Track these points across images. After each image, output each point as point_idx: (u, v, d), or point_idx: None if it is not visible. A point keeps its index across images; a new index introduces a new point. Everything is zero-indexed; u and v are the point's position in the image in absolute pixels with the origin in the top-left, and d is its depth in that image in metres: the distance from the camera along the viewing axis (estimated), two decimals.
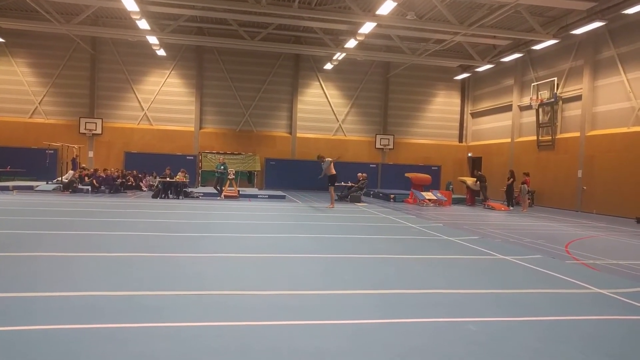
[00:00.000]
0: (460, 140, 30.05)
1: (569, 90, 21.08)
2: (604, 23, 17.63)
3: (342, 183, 20.43)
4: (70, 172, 20.56)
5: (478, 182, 20.98)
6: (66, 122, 25.61)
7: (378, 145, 28.48)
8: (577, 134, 20.33)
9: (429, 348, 3.72)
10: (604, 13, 17.64)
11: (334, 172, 16.74)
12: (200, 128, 27.01)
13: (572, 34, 19.24)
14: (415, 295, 5.29)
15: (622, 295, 5.56)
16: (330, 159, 16.88)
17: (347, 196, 19.89)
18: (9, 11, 23.02)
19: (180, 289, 5.10)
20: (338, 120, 28.37)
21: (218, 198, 18.66)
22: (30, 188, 19.08)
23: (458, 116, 29.98)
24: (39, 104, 25.45)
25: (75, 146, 23.23)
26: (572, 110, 20.98)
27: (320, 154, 17.70)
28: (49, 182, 20.77)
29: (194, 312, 4.38)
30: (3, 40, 23.73)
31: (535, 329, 4.27)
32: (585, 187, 19.68)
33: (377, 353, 3.56)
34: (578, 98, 20.47)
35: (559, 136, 21.60)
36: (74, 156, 22.24)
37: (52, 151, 23.53)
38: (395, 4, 15.52)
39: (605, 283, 6.16)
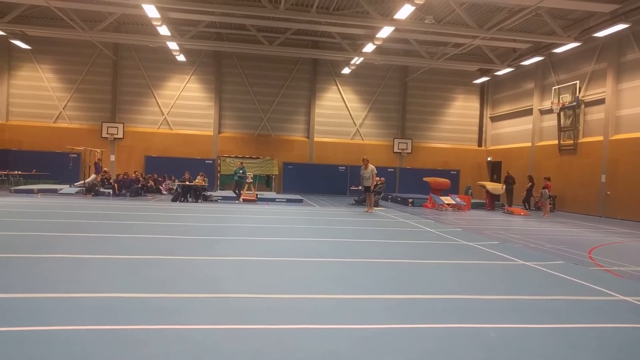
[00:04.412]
0: (480, 145, 29.70)
1: (592, 94, 20.66)
2: (628, 25, 17.25)
3: (360, 187, 20.34)
4: (93, 175, 20.97)
5: (505, 186, 20.73)
6: (89, 126, 26.15)
7: (396, 150, 28.33)
8: (601, 138, 19.89)
9: (446, 354, 3.66)
10: (628, 15, 17.27)
11: (373, 182, 16.25)
12: (219, 132, 27.26)
13: (594, 36, 18.85)
14: (433, 301, 5.23)
15: None
16: (373, 167, 16.28)
17: (364, 200, 19.78)
18: (34, 19, 23.65)
19: (197, 292, 5.14)
20: (356, 125, 28.33)
21: (236, 202, 18.79)
22: (54, 191, 19.50)
23: (477, 120, 29.64)
24: (63, 109, 26.04)
25: (98, 150, 23.68)
26: (595, 114, 20.55)
27: (365, 157, 17.08)
28: (72, 185, 21.20)
29: (209, 314, 4.41)
30: (29, 47, 24.38)
31: (557, 336, 4.18)
32: (609, 192, 19.22)
33: (393, 358, 3.52)
34: (601, 101, 20.05)
35: (581, 140, 21.17)
36: (97, 160, 22.66)
37: (75, 155, 24.03)
38: (414, 8, 15.44)
39: (630, 290, 6.00)
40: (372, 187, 16.62)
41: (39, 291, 4.89)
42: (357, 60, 24.52)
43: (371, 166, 16.32)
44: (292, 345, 3.69)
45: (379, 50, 23.02)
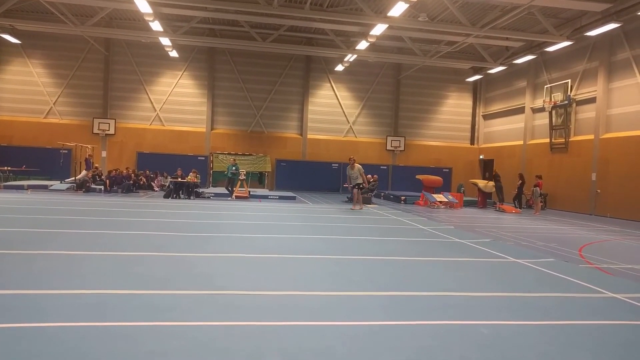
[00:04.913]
0: (472, 143, 29.84)
1: (583, 93, 20.83)
2: (619, 24, 17.39)
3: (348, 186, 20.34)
4: (84, 172, 20.81)
5: (494, 183, 20.83)
6: (80, 122, 25.92)
7: (389, 147, 28.39)
8: (591, 137, 20.07)
9: (439, 350, 3.68)
10: (619, 14, 17.41)
11: (360, 180, 16.14)
12: (212, 129, 27.16)
13: (586, 35, 18.99)
14: (425, 298, 5.26)
15: (637, 300, 5.47)
16: (360, 166, 16.21)
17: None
18: (25, 13, 23.38)
19: (191, 289, 5.12)
20: (349, 122, 28.34)
21: (229, 198, 18.74)
22: (45, 187, 19.33)
23: (470, 118, 29.78)
24: (54, 104, 25.79)
25: (89, 146, 23.48)
26: (586, 113, 20.73)
27: (352, 156, 16.95)
28: (63, 182, 21.03)
29: (204, 311, 4.40)
30: (19, 42, 24.09)
31: (548, 333, 4.22)
32: (599, 191, 19.41)
33: (387, 354, 3.54)
34: (592, 100, 20.22)
35: (572, 139, 21.35)
36: (87, 156, 22.47)
37: (66, 151, 23.82)
38: (407, 5, 15.46)
39: (620, 287, 6.07)
40: (365, 185, 16.66)
41: (33, 288, 4.86)
42: (350, 58, 24.51)
43: (358, 165, 16.28)
44: (287, 342, 3.70)
45: (372, 47, 23.03)
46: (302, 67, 27.72)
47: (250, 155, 26.70)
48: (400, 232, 10.95)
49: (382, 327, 4.17)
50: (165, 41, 22.72)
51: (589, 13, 18.82)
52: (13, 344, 3.40)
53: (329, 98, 28.17)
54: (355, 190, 16.40)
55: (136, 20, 23.90)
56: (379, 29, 19.19)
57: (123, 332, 3.74)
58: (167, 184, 20.39)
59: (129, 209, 13.53)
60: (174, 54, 24.76)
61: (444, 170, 27.97)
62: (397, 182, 28.03)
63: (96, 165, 22.62)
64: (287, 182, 26.84)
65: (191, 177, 18.59)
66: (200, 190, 19.34)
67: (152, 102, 26.65)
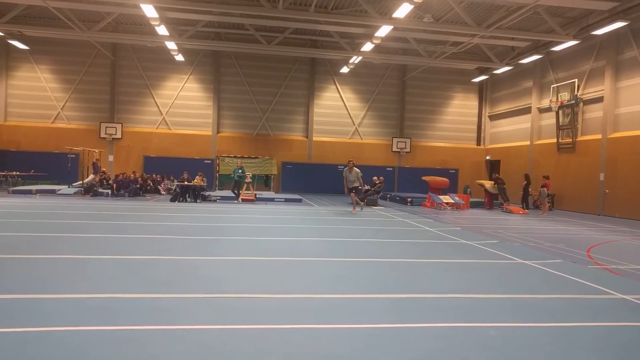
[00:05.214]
0: (478, 143, 29.70)
1: (590, 92, 20.67)
2: (626, 23, 17.25)
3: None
4: (91, 176, 20.93)
5: (496, 185, 20.71)
6: (87, 126, 26.12)
7: (395, 149, 28.32)
8: (599, 136, 19.90)
9: (446, 353, 3.66)
10: (626, 13, 17.28)
11: (357, 184, 16.05)
12: (218, 132, 27.25)
13: (593, 34, 18.86)
14: (432, 300, 5.23)
15: None
16: (358, 170, 16.07)
17: (364, 200, 19.75)
18: (32, 19, 23.60)
19: (196, 292, 5.13)
20: (354, 124, 28.32)
21: (235, 201, 18.78)
22: (53, 192, 19.48)
23: (476, 119, 29.65)
24: (61, 109, 26.00)
25: (96, 150, 23.63)
26: (594, 112, 20.56)
27: (351, 159, 16.89)
28: (71, 186, 21.16)
29: (209, 314, 4.40)
30: (27, 48, 24.34)
31: (556, 335, 4.18)
32: (607, 191, 19.24)
33: (393, 357, 3.52)
34: (599, 100, 20.06)
35: (579, 138, 21.18)
36: (95, 160, 22.60)
37: (73, 155, 23.99)
38: (412, 6, 15.44)
39: (629, 288, 6.00)
40: (362, 189, 16.60)
41: (39, 292, 4.88)
42: (355, 60, 24.51)
43: (356, 169, 16.15)
44: (292, 345, 3.69)
45: (377, 49, 23.00)
46: (307, 69, 27.76)
47: (256, 158, 26.75)
48: (407, 234, 10.91)
49: (388, 329, 4.15)
50: (171, 45, 22.85)
51: (595, 12, 18.69)
52: (18, 348, 3.42)
53: (335, 100, 28.17)
54: (352, 194, 16.32)
55: (142, 25, 24.05)
56: (384, 30, 19.18)
57: (128, 335, 3.75)
58: (173, 188, 20.46)
59: (136, 212, 13.59)
60: (179, 57, 24.88)
61: (450, 171, 27.85)
62: (403, 183, 27.95)
63: (103, 169, 22.73)
64: (293, 184, 26.85)
65: (197, 181, 18.64)
66: (207, 193, 19.38)
67: (158, 106, 26.79)
